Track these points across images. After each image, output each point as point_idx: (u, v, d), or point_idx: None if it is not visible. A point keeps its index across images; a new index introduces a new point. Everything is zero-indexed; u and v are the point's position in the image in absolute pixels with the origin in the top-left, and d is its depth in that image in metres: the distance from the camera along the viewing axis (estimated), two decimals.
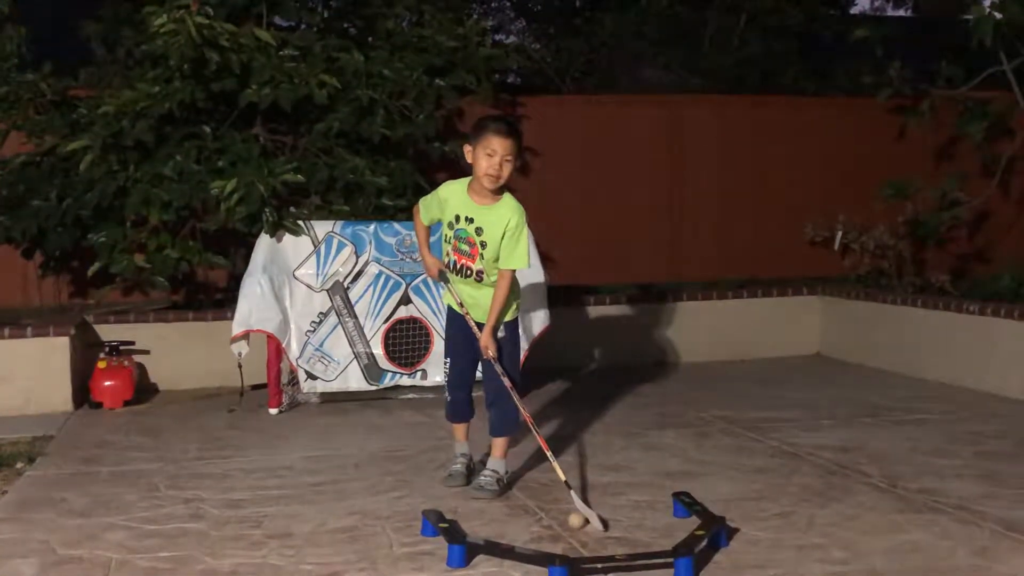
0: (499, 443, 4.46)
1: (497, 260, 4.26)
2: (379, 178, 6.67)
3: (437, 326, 6.33)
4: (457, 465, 4.53)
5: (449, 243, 4.37)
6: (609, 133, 8.45)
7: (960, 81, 8.12)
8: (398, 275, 6.32)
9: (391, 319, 6.30)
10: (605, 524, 3.90)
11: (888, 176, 8.10)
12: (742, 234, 8.64)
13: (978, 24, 7.40)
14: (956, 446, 5.11)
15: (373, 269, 6.30)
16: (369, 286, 6.28)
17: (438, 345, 6.30)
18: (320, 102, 6.62)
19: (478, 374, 4.55)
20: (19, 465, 5.01)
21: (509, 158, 4.16)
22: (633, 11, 10.43)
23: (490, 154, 4.14)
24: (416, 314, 6.34)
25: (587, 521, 3.92)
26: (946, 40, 8.88)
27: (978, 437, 5.29)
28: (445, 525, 3.76)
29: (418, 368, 6.35)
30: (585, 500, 4.13)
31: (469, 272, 4.33)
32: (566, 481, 4.10)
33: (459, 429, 4.59)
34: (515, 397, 4.31)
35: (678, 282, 8.32)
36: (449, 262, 4.39)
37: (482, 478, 4.40)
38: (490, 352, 4.27)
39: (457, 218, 4.30)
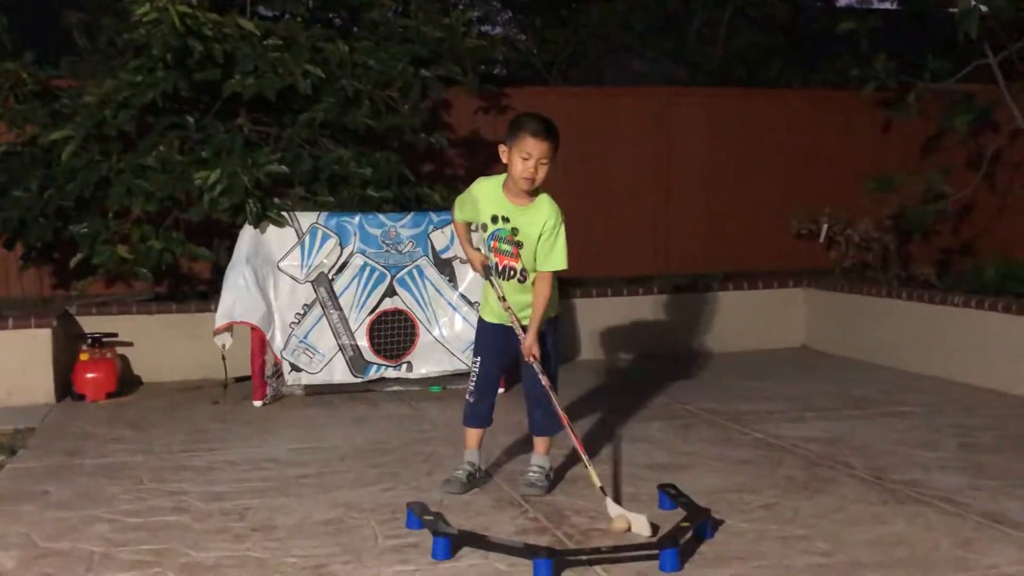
0: (543, 440, 4.38)
1: (535, 260, 4.16)
2: (364, 169, 6.63)
3: (422, 318, 6.31)
4: (459, 472, 4.34)
5: (488, 244, 4.26)
6: (596, 125, 8.44)
7: (946, 74, 8.13)
8: (383, 267, 6.29)
9: (376, 311, 6.28)
10: (654, 529, 3.73)
11: (874, 169, 8.12)
12: (728, 227, 8.66)
13: (964, 17, 7.40)
14: (941, 438, 5.12)
15: (358, 261, 6.27)
16: (354, 278, 6.25)
17: (423, 337, 6.29)
18: (304, 92, 6.58)
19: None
20: (0, 458, 4.97)
21: (545, 161, 4.04)
22: (619, 3, 10.41)
23: (525, 157, 4.02)
24: (401, 306, 6.31)
25: (629, 527, 3.78)
26: (932, 33, 8.89)
27: (963, 429, 5.30)
28: (430, 518, 3.75)
29: (403, 360, 6.32)
30: (616, 501, 4.01)
31: (513, 273, 4.22)
32: (601, 487, 3.98)
33: (473, 435, 4.41)
34: (553, 397, 4.21)
35: (664, 274, 8.32)
36: (492, 264, 4.27)
37: (531, 474, 4.32)
38: (534, 354, 4.16)
39: (494, 218, 4.18)
